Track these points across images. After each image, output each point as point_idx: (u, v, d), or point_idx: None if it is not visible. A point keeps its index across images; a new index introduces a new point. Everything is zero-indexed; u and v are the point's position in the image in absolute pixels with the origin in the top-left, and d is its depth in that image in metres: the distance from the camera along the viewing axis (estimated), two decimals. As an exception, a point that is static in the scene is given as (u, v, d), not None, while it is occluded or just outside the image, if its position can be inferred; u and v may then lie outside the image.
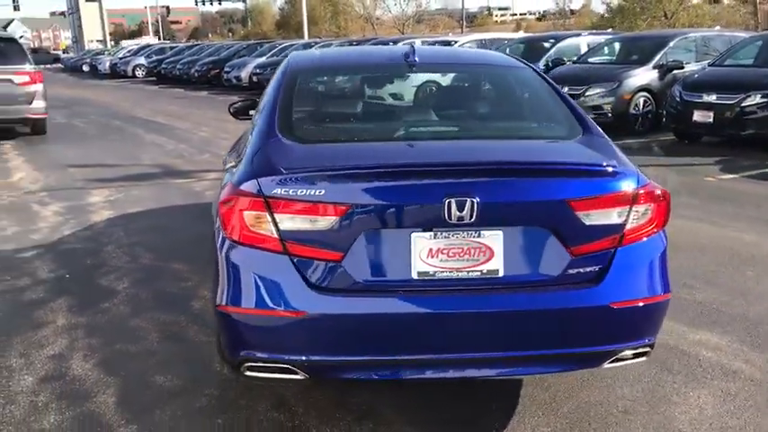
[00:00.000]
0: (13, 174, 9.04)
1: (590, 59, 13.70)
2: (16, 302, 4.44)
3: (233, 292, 2.56)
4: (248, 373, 2.63)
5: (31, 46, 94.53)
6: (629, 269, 2.65)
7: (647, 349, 2.77)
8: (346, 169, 2.58)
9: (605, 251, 2.62)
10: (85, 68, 43.13)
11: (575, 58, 14.12)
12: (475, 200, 2.47)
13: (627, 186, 2.63)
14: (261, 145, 2.86)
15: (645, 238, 2.69)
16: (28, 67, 11.89)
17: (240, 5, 73.05)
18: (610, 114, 11.41)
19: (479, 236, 2.54)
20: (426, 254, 2.52)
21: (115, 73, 36.41)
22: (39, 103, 11.81)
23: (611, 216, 2.61)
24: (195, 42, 41.10)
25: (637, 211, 2.65)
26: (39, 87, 11.80)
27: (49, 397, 3.22)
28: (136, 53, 37.92)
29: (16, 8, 65.22)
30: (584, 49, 14.79)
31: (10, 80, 11.45)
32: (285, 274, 2.51)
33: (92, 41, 63.16)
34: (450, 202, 2.45)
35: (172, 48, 36.33)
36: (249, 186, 2.55)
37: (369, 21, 48.96)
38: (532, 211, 2.56)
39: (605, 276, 2.60)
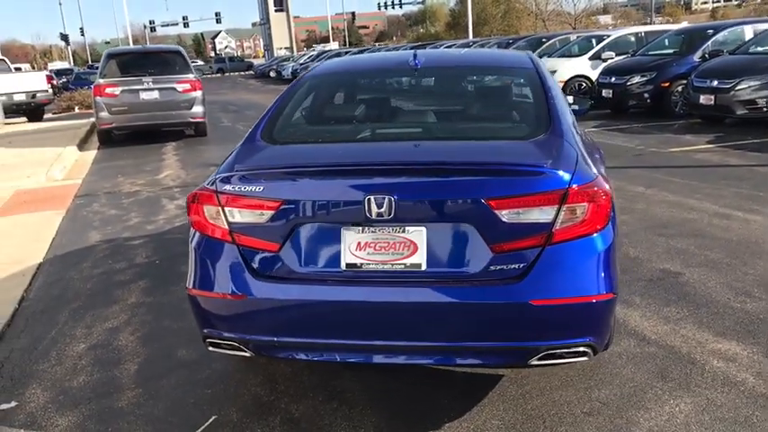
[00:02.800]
0: (162, 171, 10.16)
1: (751, 49, 12.89)
2: (107, 282, 5.15)
3: (195, 276, 2.92)
4: (210, 348, 2.98)
5: (234, 55, 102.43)
6: (557, 268, 2.67)
7: (586, 349, 2.75)
8: (279, 168, 2.85)
9: (530, 249, 2.65)
10: (272, 74, 46.26)
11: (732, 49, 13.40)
12: (393, 198, 2.63)
13: (553, 186, 2.64)
14: (239, 147, 3.20)
15: (579, 238, 2.69)
16: (190, 75, 13.19)
17: (421, 7, 74.49)
18: (765, 109, 10.91)
19: (404, 231, 2.70)
20: (355, 247, 2.73)
21: (296, 77, 38.73)
22: (198, 108, 13.07)
23: (536, 215, 2.64)
24: (370, 46, 42.53)
25: (568, 211, 2.65)
26: (198, 94, 13.06)
27: (89, 361, 3.79)
28: (314, 59, 40.09)
29: (218, 21, 71.25)
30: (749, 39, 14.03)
31: (173, 88, 12.79)
32: (233, 261, 2.83)
33: (280, 49, 67.59)
34: (370, 200, 2.64)
35: (347, 52, 37.95)
36: (209, 183, 2.90)
37: (539, 17, 48.11)
38: (453, 208, 2.67)
39: (528, 274, 2.64)
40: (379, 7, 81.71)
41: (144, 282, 5.06)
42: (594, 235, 2.71)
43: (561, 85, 15.90)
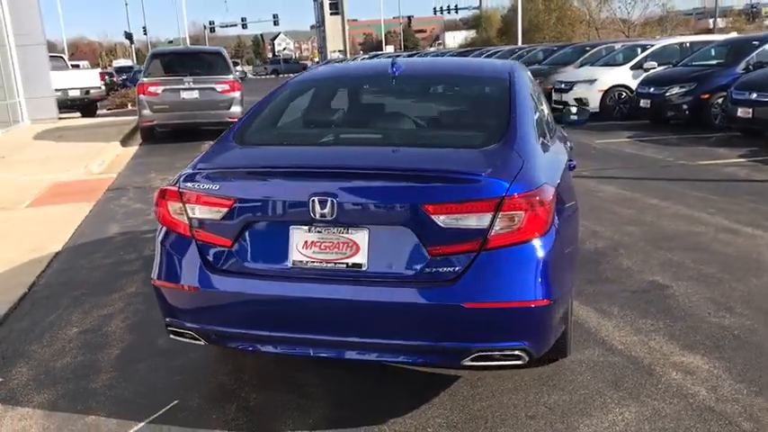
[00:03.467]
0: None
1: (799, 62, 12.77)
2: (113, 272, 5.41)
3: (159, 268, 3.11)
4: (171, 336, 3.16)
5: (290, 57, 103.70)
6: (491, 273, 2.76)
7: (521, 353, 2.84)
8: (234, 168, 3.02)
9: (466, 254, 2.76)
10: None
11: (774, 62, 13.18)
12: (335, 200, 2.77)
13: (489, 194, 2.74)
14: (210, 147, 3.39)
15: (515, 245, 2.77)
16: (230, 77, 13.56)
17: (476, 12, 74.31)
18: (796, 124, 10.89)
19: (347, 232, 2.84)
20: (302, 245, 2.88)
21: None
22: (236, 109, 13.42)
23: (471, 221, 2.74)
24: (421, 50, 42.65)
25: (503, 219, 2.75)
26: (236, 95, 13.42)
27: (76, 345, 4.03)
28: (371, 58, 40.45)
29: (276, 23, 72.43)
30: (802, 50, 13.83)
31: (213, 88, 13.18)
32: (191, 255, 3.01)
33: (333, 51, 68.32)
34: (314, 201, 2.79)
35: (399, 56, 38.19)
36: (174, 181, 3.09)
37: (592, 25, 47.49)
38: (392, 212, 2.79)
39: (462, 277, 2.75)
40: (435, 12, 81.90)
41: (147, 273, 5.28)
42: (531, 242, 2.79)
43: (601, 94, 15.76)
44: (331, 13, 71.53)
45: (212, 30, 75.85)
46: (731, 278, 4.86)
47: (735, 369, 3.52)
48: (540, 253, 2.82)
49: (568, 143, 4.84)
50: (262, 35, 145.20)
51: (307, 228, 2.87)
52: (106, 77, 25.98)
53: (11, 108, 17.44)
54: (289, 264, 2.88)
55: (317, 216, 2.79)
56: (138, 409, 3.27)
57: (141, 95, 13.04)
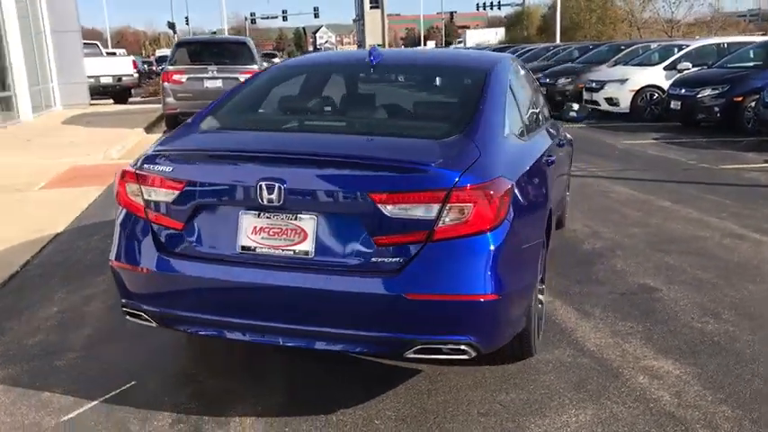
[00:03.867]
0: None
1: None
2: (107, 254, 5.46)
3: (116, 249, 3.13)
4: (127, 317, 3.18)
5: (334, 49, 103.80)
6: (436, 265, 2.71)
7: (466, 348, 2.79)
8: (186, 151, 3.02)
9: (412, 244, 2.71)
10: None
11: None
12: (282, 186, 2.75)
13: (437, 185, 2.69)
14: (175, 131, 3.40)
15: (462, 237, 2.72)
16: (254, 67, 13.63)
17: (518, 9, 73.61)
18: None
19: (296, 219, 2.82)
20: (251, 231, 2.86)
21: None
22: (259, 99, 13.45)
23: (418, 212, 2.70)
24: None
25: (451, 210, 2.70)
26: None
27: (52, 324, 4.09)
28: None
29: (316, 15, 72.79)
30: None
31: (236, 78, 13.24)
32: (145, 237, 3.02)
33: (372, 45, 68.33)
34: (262, 186, 2.77)
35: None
36: (133, 163, 3.10)
37: (633, 24, 46.59)
38: (339, 200, 2.76)
39: (406, 268, 2.71)
40: (478, 8, 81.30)
41: (139, 256, 5.35)
42: (480, 235, 2.74)
43: (632, 94, 15.43)
44: (371, 7, 71.50)
45: (253, 21, 76.49)
46: (726, 284, 4.72)
47: (705, 375, 3.42)
48: (489, 247, 2.76)
49: (558, 139, 4.75)
50: (304, 28, 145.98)
51: (256, 213, 2.85)
52: (140, 65, 26.38)
53: (44, 93, 17.81)
54: (237, 249, 2.87)
55: (265, 201, 2.78)
56: (96, 388, 3.30)
57: (166, 83, 13.19)
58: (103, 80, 19.96)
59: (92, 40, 26.91)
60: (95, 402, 3.17)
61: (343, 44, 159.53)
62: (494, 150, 3.05)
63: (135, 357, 3.63)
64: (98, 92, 20.23)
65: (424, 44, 77.33)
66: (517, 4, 76.37)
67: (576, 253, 5.51)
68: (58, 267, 5.14)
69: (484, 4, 79.78)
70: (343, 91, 4.10)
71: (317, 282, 2.76)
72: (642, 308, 4.31)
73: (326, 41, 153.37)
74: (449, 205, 2.69)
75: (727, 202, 7.25)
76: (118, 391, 3.27)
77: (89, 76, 19.23)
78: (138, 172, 3.02)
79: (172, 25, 69.74)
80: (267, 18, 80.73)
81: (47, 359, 3.61)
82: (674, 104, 13.77)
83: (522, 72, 4.58)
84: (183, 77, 13.07)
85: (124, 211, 3.12)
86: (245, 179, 2.82)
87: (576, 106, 5.38)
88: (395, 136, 3.19)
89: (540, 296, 3.72)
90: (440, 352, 2.80)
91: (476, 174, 2.78)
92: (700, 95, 13.21)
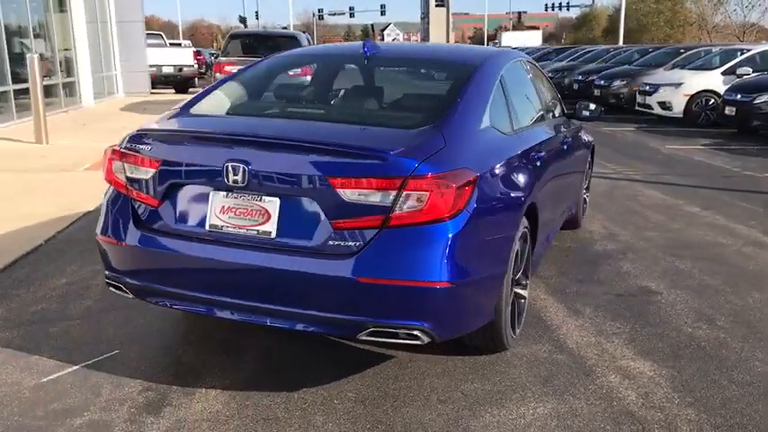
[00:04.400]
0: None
1: None
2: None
3: (101, 223, 3.29)
4: (110, 289, 3.34)
5: None
6: (391, 250, 2.77)
7: (420, 334, 2.84)
8: (162, 131, 3.16)
9: (368, 229, 2.78)
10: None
11: None
12: (247, 167, 2.86)
13: (394, 172, 2.75)
14: (164, 114, 3.55)
15: (418, 225, 2.78)
16: (303, 60, 13.83)
17: (587, 10, 72.26)
18: None
19: (261, 200, 2.92)
20: (219, 210, 2.99)
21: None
22: (305, 92, 13.67)
23: (375, 198, 2.76)
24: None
25: (407, 198, 2.75)
26: (307, 79, 13.65)
27: (57, 293, 4.31)
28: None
29: (383, 13, 72.87)
30: None
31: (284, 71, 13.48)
32: (126, 213, 3.18)
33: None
34: (228, 167, 2.89)
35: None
36: (120, 141, 3.27)
37: (703, 28, 45.13)
38: (300, 183, 2.85)
39: (361, 252, 2.78)
40: (546, 8, 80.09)
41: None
42: (436, 224, 2.79)
43: (686, 98, 15.05)
44: (436, 5, 71.01)
45: (320, 17, 77.22)
46: (731, 291, 4.63)
47: (679, 379, 3.38)
48: (445, 235, 2.80)
49: (567, 138, 4.74)
50: (372, 25, 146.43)
51: (225, 193, 2.97)
52: (207, 57, 27.01)
53: (107, 80, 18.50)
54: (206, 227, 3.00)
55: (230, 182, 2.89)
56: (81, 354, 3.48)
57: (218, 74, 13.53)
58: (165, 70, 20.60)
59: (167, 32, 27.74)
60: (76, 367, 3.35)
61: (410, 41, 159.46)
62: (462, 142, 3.09)
63: (126, 328, 3.80)
64: (160, 81, 20.88)
65: (489, 43, 76.48)
66: (586, 5, 74.96)
67: (586, 253, 5.47)
68: (78, 243, 5.39)
69: (553, 4, 78.53)
70: (333, 81, 4.19)
71: (276, 262, 2.85)
72: (635, 310, 4.27)
73: (394, 39, 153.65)
74: (405, 193, 2.74)
75: (760, 210, 7.06)
76: (100, 357, 3.44)
77: (151, 66, 19.86)
78: (122, 150, 3.18)
79: (243, 19, 71.13)
80: (334, 14, 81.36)
81: (42, 325, 3.82)
82: (729, 110, 13.37)
83: (527, 71, 4.58)
84: (234, 69, 13.36)
85: (111, 188, 3.28)
86: (214, 160, 2.94)
87: (592, 106, 5.33)
88: (366, 124, 3.26)
89: (521, 290, 3.73)
90: (393, 336, 2.86)
91: (435, 163, 2.82)
92: (756, 101, 12.79)
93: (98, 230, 3.28)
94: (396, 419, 2.96)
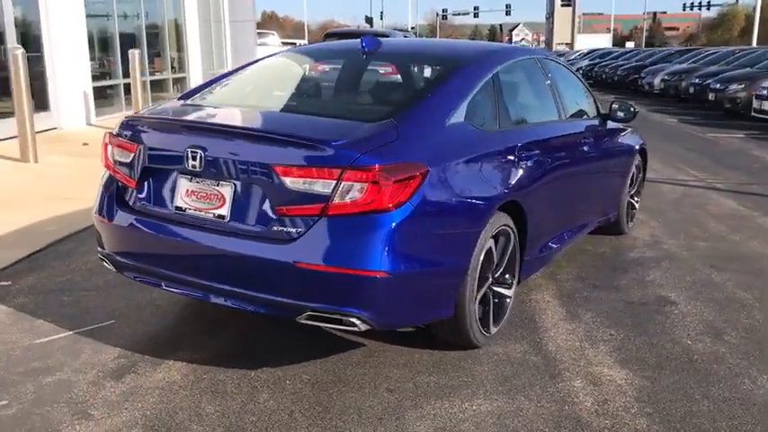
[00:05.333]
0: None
1: None
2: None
3: (96, 202, 3.59)
4: (104, 264, 3.63)
5: (528, 46, 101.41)
6: (328, 238, 2.86)
7: (356, 321, 2.91)
8: (143, 118, 3.40)
9: (308, 217, 2.89)
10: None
11: None
12: (204, 153, 3.05)
13: (333, 162, 2.84)
14: (159, 102, 3.81)
15: (356, 215, 2.85)
16: (395, 58, 14.01)
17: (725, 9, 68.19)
18: None
19: (218, 185, 3.10)
20: (185, 193, 3.19)
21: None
22: (397, 90, 13.87)
23: (315, 186, 2.87)
24: (642, 49, 40.18)
25: (346, 188, 2.84)
26: (397, 78, 13.84)
27: (86, 268, 4.69)
28: (585, 56, 39.15)
29: (508, 13, 72.19)
30: None
31: (376, 70, 13.71)
32: (112, 193, 3.45)
33: (560, 44, 66.45)
34: (188, 153, 3.09)
35: (610, 53, 36.51)
36: (114, 127, 3.55)
37: None
38: (249, 170, 2.99)
39: (300, 238, 2.89)
40: (684, 8, 76.41)
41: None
42: (373, 215, 2.85)
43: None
44: (562, 5, 69.58)
45: (444, 17, 77.32)
46: (759, 306, 4.37)
47: (650, 389, 3.26)
48: (383, 226, 2.86)
49: (592, 140, 4.66)
50: (501, 25, 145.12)
51: (189, 178, 3.17)
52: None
53: (219, 76, 19.43)
54: (172, 208, 3.21)
55: (190, 167, 3.08)
56: (80, 321, 3.80)
57: (312, 72, 13.94)
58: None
59: (299, 32, 28.70)
60: (70, 333, 3.66)
61: (539, 42, 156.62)
62: (419, 136, 3.13)
63: (131, 302, 4.09)
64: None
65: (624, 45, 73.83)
66: (729, 4, 70.84)
67: (617, 260, 5.30)
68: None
69: (692, 3, 74.84)
70: (323, 76, 4.31)
71: (227, 244, 3.02)
72: (640, 319, 4.12)
73: (522, 39, 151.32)
74: (344, 183, 2.83)
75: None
76: (95, 326, 3.74)
77: (260, 62, 20.67)
78: (112, 136, 3.45)
79: (369, 20, 72.59)
80: (458, 14, 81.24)
81: (59, 294, 4.19)
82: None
83: (542, 70, 4.51)
84: (327, 67, 13.73)
85: (104, 169, 3.57)
86: (178, 146, 3.15)
87: (626, 106, 5.19)
88: (331, 117, 3.36)
89: (503, 290, 3.71)
90: (331, 321, 2.95)
91: (377, 155, 2.89)
92: None
93: (94, 210, 3.57)
94: (336, 403, 3.05)
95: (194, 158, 3.06)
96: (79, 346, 3.51)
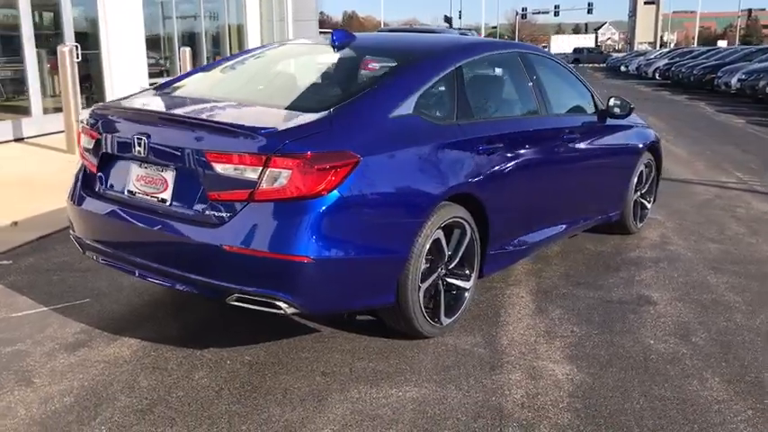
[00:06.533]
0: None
1: None
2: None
3: (70, 187, 3.80)
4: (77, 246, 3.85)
5: (593, 47, 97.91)
6: (255, 223, 2.95)
7: (282, 304, 3.01)
8: (104, 107, 3.59)
9: (236, 202, 3.01)
10: (623, 69, 44.56)
11: None
12: (147, 140, 3.21)
13: (259, 149, 2.94)
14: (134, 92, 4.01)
15: (281, 200, 2.95)
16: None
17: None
18: None
19: (162, 170, 3.26)
20: (135, 178, 3.37)
21: (638, 74, 37.43)
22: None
23: (241, 173, 2.98)
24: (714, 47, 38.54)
25: (271, 174, 2.95)
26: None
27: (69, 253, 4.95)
28: (664, 55, 37.97)
29: (590, 11, 70.60)
30: None
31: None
32: (79, 178, 3.67)
33: (642, 43, 64.39)
34: (134, 139, 3.26)
35: (690, 52, 35.21)
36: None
37: None
38: (186, 156, 3.13)
39: (228, 222, 3.01)
40: (778, 6, 72.72)
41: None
42: (298, 201, 2.94)
43: None
44: (645, 3, 67.42)
45: (523, 16, 76.26)
46: (745, 310, 4.23)
47: (587, 385, 3.23)
48: (308, 213, 2.95)
49: (580, 137, 4.59)
50: (586, 24, 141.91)
51: (139, 163, 3.34)
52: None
53: (281, 74, 19.86)
54: (126, 193, 3.39)
55: (136, 153, 3.25)
56: (59, 298, 4.05)
57: (362, 71, 14.10)
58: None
59: (376, 32, 28.92)
60: (45, 308, 3.90)
61: (627, 42, 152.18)
62: (356, 126, 3.19)
63: (114, 284, 4.31)
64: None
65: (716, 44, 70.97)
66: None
67: (614, 259, 5.20)
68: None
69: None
70: (293, 68, 4.41)
71: (167, 227, 3.17)
72: (610, 317, 4.05)
73: (608, 39, 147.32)
74: (269, 170, 2.93)
75: None
76: (70, 303, 3.98)
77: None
78: (83, 124, 3.67)
79: (448, 19, 72.37)
80: (538, 13, 79.98)
81: (50, 274, 4.46)
82: None
83: (523, 65, 4.47)
84: (377, 65, 13.87)
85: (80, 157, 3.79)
86: (129, 133, 3.32)
87: (621, 102, 5.10)
88: (277, 107, 3.46)
89: (458, 281, 3.72)
90: (258, 303, 3.05)
91: (305, 144, 2.97)
92: None
93: (67, 194, 3.79)
94: (266, 383, 3.15)
95: (140, 145, 3.23)
96: (48, 321, 3.74)
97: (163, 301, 4.08)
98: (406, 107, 3.47)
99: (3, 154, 8.28)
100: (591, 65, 62.19)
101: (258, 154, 2.94)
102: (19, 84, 9.94)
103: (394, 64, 3.88)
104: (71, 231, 3.77)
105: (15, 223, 5.45)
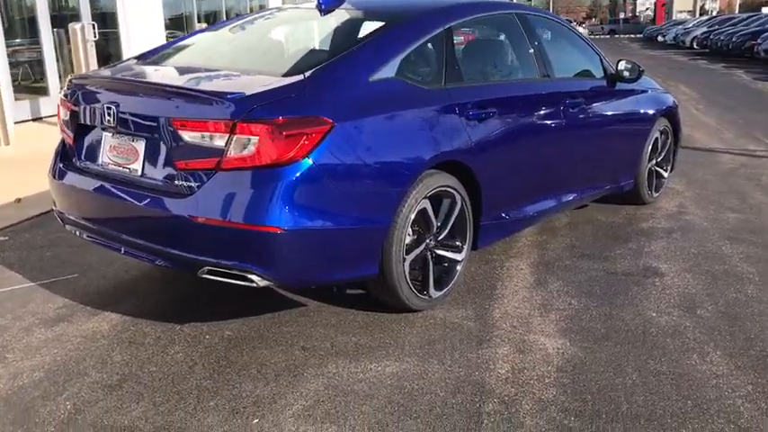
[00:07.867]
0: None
1: None
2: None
3: (50, 162, 3.74)
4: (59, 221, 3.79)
5: (630, 17, 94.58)
6: (223, 192, 2.84)
7: (254, 277, 2.90)
8: (79, 78, 3.50)
9: (204, 171, 2.90)
10: (660, 39, 43.40)
11: None
12: (116, 109, 3.12)
13: (224, 116, 2.82)
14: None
15: (251, 169, 2.82)
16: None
17: None
18: None
19: (133, 140, 3.16)
20: (108, 148, 3.28)
21: (676, 43, 36.52)
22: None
23: (208, 140, 2.86)
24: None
25: (239, 141, 2.83)
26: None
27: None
28: (703, 23, 36.87)
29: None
30: None
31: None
32: (58, 151, 3.60)
33: (681, 12, 62.51)
34: (104, 109, 3.17)
35: (730, 19, 34.06)
36: (66, 89, 3.69)
37: None
38: (154, 125, 3.02)
39: (197, 192, 2.90)
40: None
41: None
42: (267, 169, 2.81)
43: None
44: (684, -30, 65.20)
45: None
46: (758, 281, 4.01)
47: (578, 360, 3.08)
48: (277, 181, 2.82)
49: (585, 103, 4.42)
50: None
51: (111, 134, 3.25)
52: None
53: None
54: (99, 164, 3.30)
55: (107, 122, 3.16)
56: (48, 273, 4.01)
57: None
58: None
59: None
60: (33, 284, 3.86)
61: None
62: (330, 90, 3.05)
63: (104, 258, 4.25)
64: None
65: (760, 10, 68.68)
66: None
67: (624, 230, 4.99)
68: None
69: None
70: (279, 35, 4.26)
71: (137, 198, 3.08)
72: (612, 289, 3.88)
73: (647, 8, 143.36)
74: (236, 137, 2.81)
75: None
76: (58, 279, 3.93)
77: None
78: (61, 97, 3.59)
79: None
80: (573, -16, 78.13)
81: (44, 250, 4.43)
82: None
83: (521, 26, 4.25)
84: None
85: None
86: (100, 103, 3.23)
87: (630, 65, 4.87)
88: (251, 73, 3.33)
89: (449, 253, 3.59)
90: (230, 276, 2.94)
91: (274, 109, 2.84)
92: None
93: (48, 169, 3.73)
94: (242, 358, 3.06)
95: (110, 114, 3.13)
96: (33, 296, 3.70)
97: (151, 276, 4.01)
98: (388, 70, 3.31)
99: (20, 131, 8.31)
100: (628, 35, 60.71)
101: (225, 120, 2.82)
102: (37, 64, 9.98)
103: (377, 26, 3.71)
104: (53, 207, 3.71)
105: (19, 200, 5.44)
